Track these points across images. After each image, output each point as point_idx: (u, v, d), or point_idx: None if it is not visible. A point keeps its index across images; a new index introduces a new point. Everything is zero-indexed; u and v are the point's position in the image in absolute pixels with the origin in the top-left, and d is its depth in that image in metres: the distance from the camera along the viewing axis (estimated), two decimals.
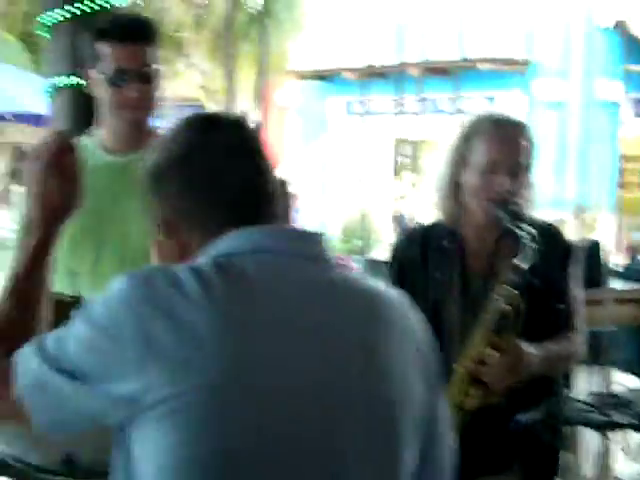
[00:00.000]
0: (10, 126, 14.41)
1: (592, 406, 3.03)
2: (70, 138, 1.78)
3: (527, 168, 2.70)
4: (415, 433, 1.51)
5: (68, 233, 2.61)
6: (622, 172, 15.57)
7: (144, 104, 2.70)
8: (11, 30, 15.73)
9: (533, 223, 2.63)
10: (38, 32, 4.29)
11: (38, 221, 1.72)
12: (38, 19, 4.35)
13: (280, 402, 1.38)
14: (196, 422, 1.34)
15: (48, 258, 1.71)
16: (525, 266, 2.56)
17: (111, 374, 1.37)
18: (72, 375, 1.39)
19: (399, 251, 2.93)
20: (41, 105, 9.12)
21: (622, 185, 13.93)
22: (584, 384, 4.72)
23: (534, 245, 2.56)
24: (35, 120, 11.35)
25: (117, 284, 1.43)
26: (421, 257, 2.82)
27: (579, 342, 2.80)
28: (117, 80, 2.66)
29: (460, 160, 2.73)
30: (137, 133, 2.75)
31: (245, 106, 15.18)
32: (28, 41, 16.15)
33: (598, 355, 4.80)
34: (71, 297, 2.37)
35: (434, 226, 2.89)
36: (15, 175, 16.89)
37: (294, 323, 1.42)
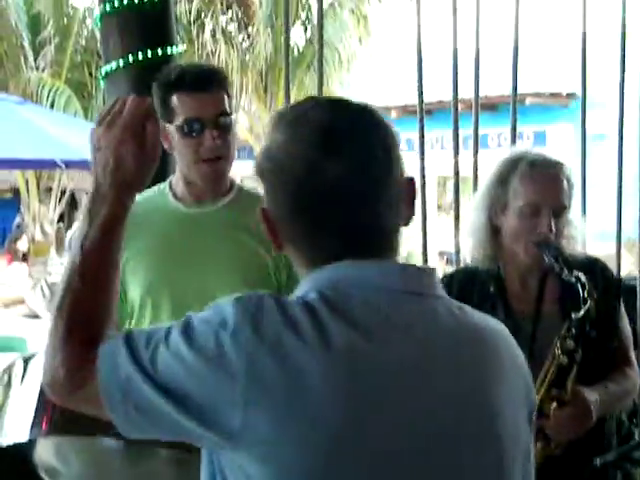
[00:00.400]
0: (61, 172, 14.64)
1: None
2: (150, 102, 1.63)
3: (568, 206, 2.68)
4: (521, 471, 1.45)
5: (144, 277, 2.64)
6: None
7: (222, 153, 2.63)
8: (59, 76, 15.96)
9: (578, 261, 2.62)
10: (100, 81, 4.33)
11: (110, 190, 1.55)
12: (99, 69, 4.39)
13: (391, 465, 1.31)
14: (297, 474, 1.29)
15: (119, 233, 1.54)
16: (580, 315, 2.53)
17: (213, 406, 1.30)
18: (168, 393, 1.32)
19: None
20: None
21: None
22: None
23: (587, 293, 2.53)
24: (86, 167, 11.51)
25: (226, 309, 1.35)
26: (464, 300, 2.76)
27: (636, 377, 2.75)
28: (192, 130, 2.60)
29: (497, 202, 2.69)
30: (215, 184, 2.69)
31: None
32: (77, 88, 16.40)
33: None
34: None
35: (475, 270, 2.82)
36: (65, 220, 17.09)
37: (408, 376, 1.35)
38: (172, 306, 2.62)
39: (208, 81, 2.63)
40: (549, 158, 2.73)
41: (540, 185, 2.63)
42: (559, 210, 2.63)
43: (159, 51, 4.06)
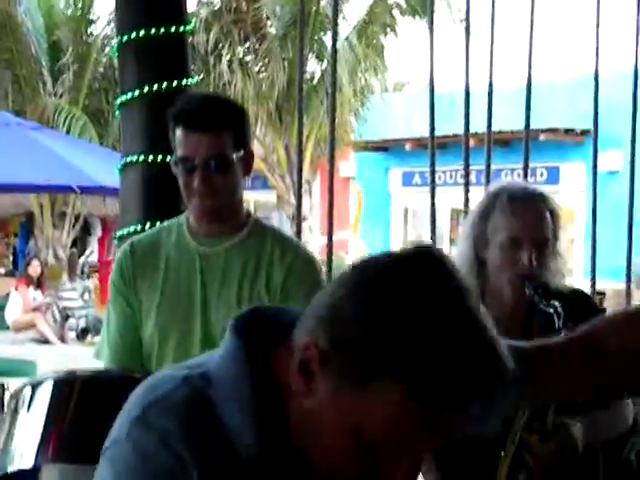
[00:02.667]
0: (75, 198, 14.71)
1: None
2: None
3: (552, 238, 2.67)
4: None
5: (155, 315, 2.64)
6: None
7: (212, 194, 2.56)
8: (76, 103, 16.08)
9: (562, 294, 2.62)
10: (116, 110, 4.37)
11: None
12: (116, 96, 4.43)
13: None
14: None
15: None
16: None
17: None
18: None
19: None
20: (106, 177, 9.33)
21: None
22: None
23: (561, 322, 2.52)
24: (100, 192, 11.57)
25: None
26: None
27: (625, 407, 2.73)
28: (184, 169, 2.56)
29: (481, 238, 2.69)
30: (216, 220, 2.65)
31: (306, 178, 15.30)
32: (93, 114, 16.52)
33: None
34: (142, 373, 2.36)
35: None
36: (78, 245, 17.15)
37: None
38: (176, 348, 2.62)
39: (206, 120, 2.56)
40: (530, 190, 2.72)
41: (520, 218, 2.63)
42: (541, 242, 2.63)
43: (174, 82, 4.10)
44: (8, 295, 12.15)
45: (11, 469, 2.12)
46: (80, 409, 2.13)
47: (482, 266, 2.72)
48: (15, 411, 2.20)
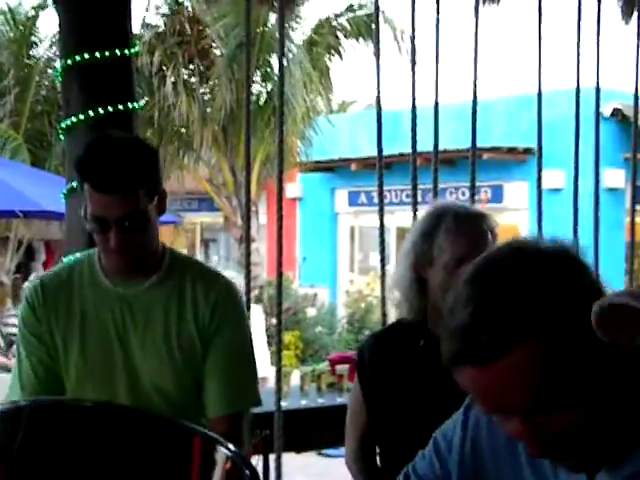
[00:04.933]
0: (18, 221, 14.53)
1: None
2: None
3: None
4: None
5: (75, 360, 2.60)
6: (629, 259, 15.58)
7: (129, 251, 2.48)
8: (18, 126, 15.92)
9: None
10: (60, 134, 4.33)
11: None
12: (58, 119, 4.39)
13: None
14: None
15: None
16: None
17: None
18: None
19: (368, 354, 2.84)
20: (50, 202, 9.23)
21: (630, 272, 13.89)
22: None
23: None
24: (44, 216, 11.43)
25: None
26: (393, 359, 2.77)
27: None
28: (94, 227, 2.47)
29: (424, 257, 2.69)
30: (127, 273, 2.57)
31: (253, 199, 15.28)
32: (35, 137, 16.37)
33: None
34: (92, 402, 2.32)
35: (400, 325, 2.84)
36: (23, 271, 16.93)
37: None
38: (100, 389, 2.58)
39: (116, 183, 2.41)
40: (473, 211, 2.74)
41: (465, 238, 2.64)
42: None
43: (120, 106, 4.07)
44: None
45: None
46: (27, 440, 2.09)
47: (422, 284, 2.72)
48: None
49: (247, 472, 2.19)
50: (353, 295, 18.21)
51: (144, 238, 2.50)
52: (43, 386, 2.63)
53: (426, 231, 2.70)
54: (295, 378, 4.91)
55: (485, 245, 2.65)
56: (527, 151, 16.53)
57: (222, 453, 2.12)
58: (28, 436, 2.08)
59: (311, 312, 16.54)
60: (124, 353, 2.58)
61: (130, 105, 4.12)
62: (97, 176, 2.42)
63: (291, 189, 18.79)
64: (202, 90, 15.98)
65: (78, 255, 2.69)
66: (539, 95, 4.53)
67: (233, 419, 2.57)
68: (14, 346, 11.90)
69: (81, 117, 4.08)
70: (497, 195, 17.14)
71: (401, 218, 16.75)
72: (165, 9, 16.31)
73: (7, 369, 11.42)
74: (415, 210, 4.40)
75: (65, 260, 4.22)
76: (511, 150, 16.65)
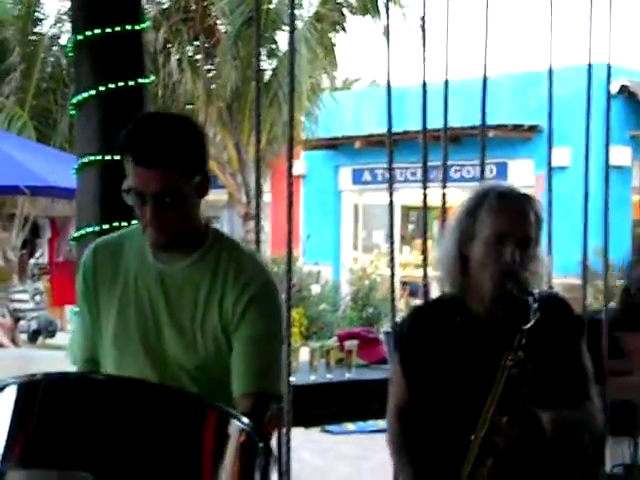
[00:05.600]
0: (24, 199, 14.55)
1: (622, 479, 3.02)
2: None
3: (534, 241, 2.74)
4: None
5: (112, 324, 2.63)
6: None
7: (165, 228, 2.49)
8: (23, 103, 15.91)
9: (541, 294, 2.68)
10: (71, 109, 4.33)
11: None
12: (64, 96, 4.39)
13: None
14: None
15: None
16: (527, 327, 2.60)
17: None
18: None
19: (408, 328, 2.93)
20: (56, 178, 9.24)
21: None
22: (613, 456, 4.68)
23: (538, 309, 2.60)
24: (50, 193, 11.45)
25: None
26: (431, 333, 2.83)
27: (595, 410, 2.80)
28: (134, 200, 2.47)
29: (466, 233, 2.75)
30: (170, 248, 2.57)
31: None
32: (40, 114, 16.35)
33: (627, 426, 4.76)
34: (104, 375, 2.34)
35: (441, 301, 2.93)
36: (28, 247, 16.98)
37: None
38: (129, 358, 2.61)
39: (156, 156, 2.43)
40: (518, 191, 2.80)
41: (507, 215, 2.70)
42: (524, 241, 2.70)
43: (130, 81, 4.07)
44: None
45: None
46: (45, 413, 2.11)
47: (465, 262, 2.77)
48: None
49: (260, 445, 2.21)
50: (357, 273, 18.24)
51: (180, 216, 2.49)
52: (89, 348, 2.70)
53: (470, 208, 2.77)
54: (303, 354, 4.92)
55: (527, 225, 2.70)
56: (532, 128, 16.51)
57: (236, 426, 2.14)
58: (44, 409, 2.11)
59: (315, 289, 16.58)
60: (155, 327, 2.60)
61: (140, 80, 4.12)
62: (138, 148, 2.44)
63: (295, 166, 18.70)
64: (207, 67, 15.93)
65: (136, 227, 2.69)
66: (550, 72, 4.52)
67: (257, 397, 2.57)
68: (21, 321, 12.00)
69: (92, 92, 4.08)
70: (502, 172, 17.11)
71: (406, 196, 16.73)
72: None
73: (15, 342, 11.48)
74: (425, 187, 4.39)
75: (76, 234, 4.24)
76: (517, 127, 16.62)
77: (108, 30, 4.04)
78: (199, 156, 2.54)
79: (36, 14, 16.92)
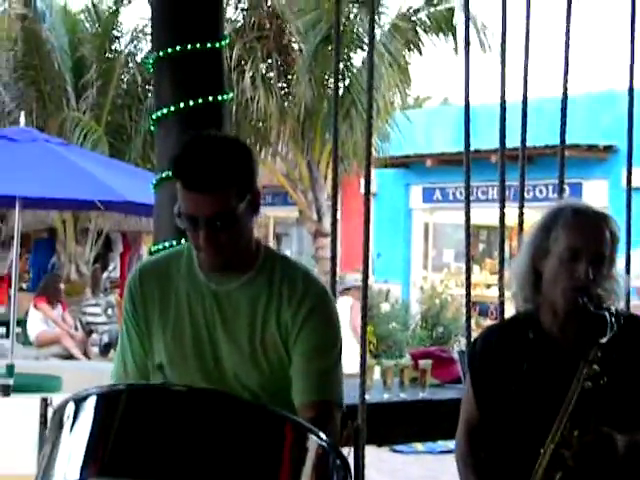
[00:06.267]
0: (98, 214, 14.77)
1: None
2: None
3: (609, 258, 2.71)
4: None
5: (164, 349, 2.64)
6: None
7: (218, 251, 2.50)
8: (99, 119, 16.15)
9: (618, 311, 2.65)
10: (151, 125, 4.39)
11: None
12: (138, 112, 4.44)
13: None
14: None
15: None
16: (605, 340, 2.57)
17: None
18: None
19: (480, 347, 2.93)
20: (130, 193, 9.35)
21: None
22: None
23: (615, 323, 2.58)
24: (124, 209, 11.58)
25: None
26: (504, 351, 2.83)
27: None
28: (186, 224, 2.50)
29: (541, 248, 2.75)
30: (224, 270, 2.59)
31: (328, 194, 15.30)
32: (115, 130, 16.59)
33: None
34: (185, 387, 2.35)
35: (515, 319, 2.93)
36: (100, 261, 17.20)
37: None
38: (192, 381, 2.61)
39: (207, 181, 2.44)
40: (594, 209, 2.80)
41: (581, 232, 2.69)
42: (599, 258, 2.68)
43: (210, 97, 4.11)
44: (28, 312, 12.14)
45: None
46: (125, 423, 2.13)
47: (538, 278, 2.76)
48: (59, 426, 2.20)
49: (338, 461, 2.20)
50: (427, 292, 18.15)
51: (234, 237, 2.51)
52: (140, 371, 2.71)
53: (546, 224, 2.77)
54: (376, 372, 4.90)
55: (602, 242, 2.68)
56: (607, 148, 16.30)
57: (314, 441, 2.14)
58: (125, 419, 2.12)
59: (385, 308, 16.53)
60: (212, 347, 2.62)
61: (220, 97, 4.16)
62: (188, 174, 2.46)
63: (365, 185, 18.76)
64: (280, 85, 16.02)
65: (182, 243, 2.71)
66: (630, 90, 4.46)
67: (320, 406, 2.57)
68: (93, 334, 12.14)
69: (172, 109, 4.13)
70: (576, 193, 16.88)
71: (477, 215, 16.58)
72: (245, 3, 16.37)
73: (87, 355, 11.61)
74: (502, 207, 4.36)
75: (154, 248, 4.28)
76: (591, 147, 16.42)
77: (189, 47, 4.08)
78: (249, 176, 2.54)
79: (113, 32, 17.20)
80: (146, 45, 16.68)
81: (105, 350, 11.89)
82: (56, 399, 3.99)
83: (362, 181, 17.93)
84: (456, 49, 15.49)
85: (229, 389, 2.57)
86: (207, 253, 2.50)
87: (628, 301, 4.09)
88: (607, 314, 2.62)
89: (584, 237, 2.68)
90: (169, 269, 2.69)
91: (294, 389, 2.60)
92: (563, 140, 4.39)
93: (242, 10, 16.38)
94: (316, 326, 2.59)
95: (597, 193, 16.60)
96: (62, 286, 12.14)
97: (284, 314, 2.58)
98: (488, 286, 18.11)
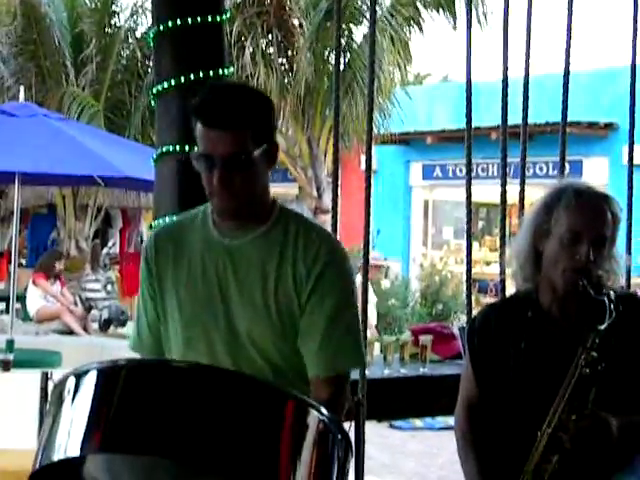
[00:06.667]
0: (97, 190, 14.75)
1: None
2: None
3: (610, 239, 2.71)
4: None
5: (180, 310, 2.64)
6: None
7: (231, 195, 2.49)
8: (98, 95, 16.10)
9: (618, 294, 2.65)
10: (151, 99, 4.37)
11: None
12: (138, 88, 4.42)
13: None
14: None
15: None
16: (603, 327, 2.57)
17: None
18: None
19: (479, 324, 2.94)
20: (130, 169, 9.33)
21: None
22: None
23: (614, 309, 2.58)
24: (124, 184, 11.57)
25: None
26: (502, 329, 2.84)
27: None
28: (202, 166, 2.50)
29: (541, 229, 2.75)
30: (237, 218, 2.58)
31: (328, 171, 15.29)
32: (115, 106, 16.54)
33: None
34: (186, 363, 2.34)
35: (514, 298, 2.95)
36: (100, 237, 17.21)
37: None
38: (198, 339, 2.62)
39: (225, 118, 2.46)
40: (596, 190, 2.80)
41: (583, 214, 2.69)
42: (600, 240, 2.68)
43: (210, 72, 4.09)
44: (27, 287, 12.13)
45: (56, 458, 2.12)
46: (125, 398, 2.12)
47: (538, 258, 2.76)
48: (60, 401, 2.19)
49: (339, 436, 2.20)
50: (427, 269, 18.17)
51: (248, 181, 2.50)
52: (154, 334, 2.73)
53: (547, 204, 2.77)
54: (376, 348, 4.91)
55: (603, 224, 2.68)
56: (608, 126, 16.28)
57: (315, 416, 2.13)
58: (125, 394, 2.12)
59: (385, 284, 16.55)
60: (224, 305, 2.60)
61: (220, 71, 4.14)
62: (208, 111, 2.47)
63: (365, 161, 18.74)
64: (280, 61, 15.97)
65: (198, 208, 2.71)
66: (632, 66, 4.44)
67: (334, 381, 2.57)
68: (93, 310, 12.14)
69: (172, 82, 4.10)
70: (576, 170, 16.87)
71: (476, 192, 16.55)
72: None
73: (87, 331, 11.61)
74: (504, 183, 4.35)
75: (154, 223, 4.27)
76: (592, 125, 16.39)
77: (189, 21, 4.06)
78: (267, 123, 2.56)
79: (113, 7, 17.13)
80: (146, 20, 16.63)
81: (105, 326, 11.88)
82: (56, 374, 3.99)
83: (362, 158, 17.98)
84: (454, 25, 15.44)
85: (240, 348, 2.58)
86: (220, 197, 2.50)
87: (629, 279, 4.10)
88: (606, 300, 2.61)
89: (585, 219, 2.68)
90: (183, 231, 2.70)
91: (306, 356, 2.58)
92: (565, 117, 4.37)
93: None
94: (332, 283, 2.57)
95: (597, 170, 16.59)
96: (60, 264, 12.09)
97: (299, 268, 2.57)
98: (487, 263, 18.13)
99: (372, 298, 12.75)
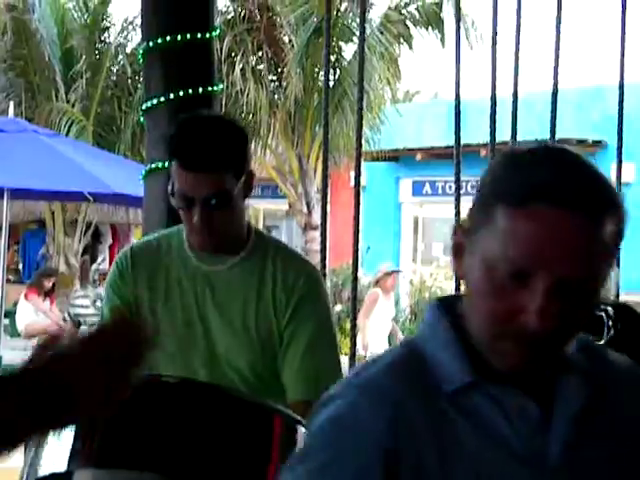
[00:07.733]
0: (87, 206, 14.74)
1: None
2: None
3: None
4: None
5: (162, 329, 2.62)
6: None
7: (212, 231, 2.49)
8: (89, 110, 16.11)
9: (614, 308, 2.65)
10: (140, 116, 4.38)
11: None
12: (128, 104, 4.43)
13: None
14: None
15: None
16: (602, 343, 2.58)
17: None
18: None
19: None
20: (120, 185, 9.34)
21: None
22: None
23: (611, 323, 2.58)
24: (113, 200, 11.57)
25: None
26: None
27: None
28: (180, 204, 2.48)
29: None
30: (217, 251, 2.58)
31: (317, 186, 15.31)
32: (105, 122, 16.55)
33: None
34: (175, 378, 2.34)
35: None
36: (89, 253, 17.19)
37: None
38: (183, 358, 2.61)
39: (205, 161, 2.43)
40: None
41: None
42: None
43: (200, 89, 4.10)
44: (16, 303, 12.12)
45: (43, 474, 2.11)
46: (114, 413, 2.12)
47: None
48: None
49: None
50: (416, 285, 18.16)
51: (228, 217, 2.51)
52: None
53: None
54: None
55: None
56: (596, 143, 16.33)
57: (302, 432, 2.13)
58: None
59: None
60: (203, 327, 2.60)
61: (210, 88, 4.14)
62: (186, 154, 2.45)
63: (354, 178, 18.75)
64: (270, 77, 16.01)
65: (172, 229, 2.70)
66: (621, 85, 4.47)
67: (312, 406, 2.57)
68: (81, 326, 12.11)
69: (162, 99, 4.11)
70: None
71: (464, 209, 16.58)
72: None
73: None
74: None
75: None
76: (580, 142, 16.45)
77: (179, 37, 4.07)
78: (245, 158, 2.55)
79: (103, 23, 17.16)
80: (136, 36, 16.66)
81: None
82: None
83: (352, 174, 17.95)
84: (443, 42, 15.52)
85: (219, 371, 2.57)
86: (200, 233, 2.50)
87: (618, 294, 4.10)
88: (604, 315, 2.62)
89: None
90: (159, 250, 2.68)
91: (285, 380, 2.59)
92: (553, 135, 4.39)
93: (232, 1, 16.36)
94: (309, 311, 2.58)
95: None
96: (49, 281, 12.07)
97: (278, 293, 2.58)
98: None
99: (391, 312, 12.77)
